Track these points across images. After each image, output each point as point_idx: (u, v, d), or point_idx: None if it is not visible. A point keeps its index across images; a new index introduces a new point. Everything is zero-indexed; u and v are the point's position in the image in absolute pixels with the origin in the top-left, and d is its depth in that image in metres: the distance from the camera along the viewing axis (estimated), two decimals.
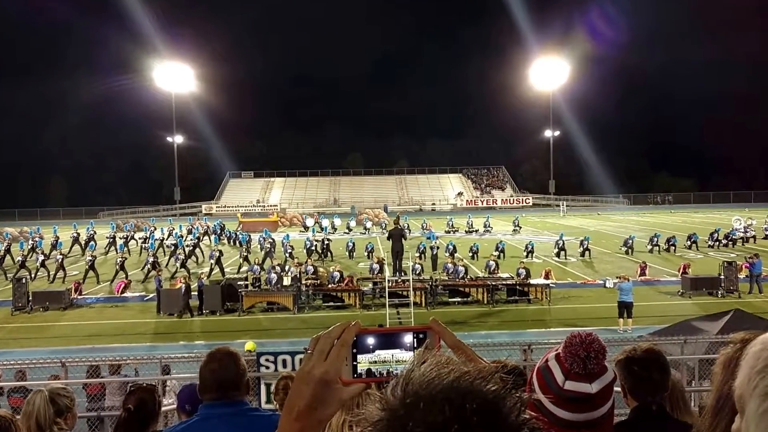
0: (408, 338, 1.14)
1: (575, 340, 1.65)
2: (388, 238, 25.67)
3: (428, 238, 34.79)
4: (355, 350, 1.10)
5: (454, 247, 30.39)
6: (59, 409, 3.30)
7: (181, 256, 28.99)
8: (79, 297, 23.09)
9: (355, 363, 1.10)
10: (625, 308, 17.89)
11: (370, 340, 1.12)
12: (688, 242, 33.97)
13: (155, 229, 43.68)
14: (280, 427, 1.06)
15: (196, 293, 21.41)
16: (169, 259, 30.69)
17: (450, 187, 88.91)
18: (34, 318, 21.01)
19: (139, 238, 39.00)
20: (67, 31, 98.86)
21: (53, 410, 3.24)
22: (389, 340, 1.13)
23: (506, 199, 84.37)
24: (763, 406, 0.82)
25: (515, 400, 0.74)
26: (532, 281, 22.08)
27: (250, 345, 13.35)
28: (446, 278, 22.78)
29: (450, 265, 23.86)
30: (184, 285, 20.92)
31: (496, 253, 29.16)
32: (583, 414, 1.60)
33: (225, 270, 27.73)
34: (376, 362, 1.11)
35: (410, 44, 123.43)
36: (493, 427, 0.71)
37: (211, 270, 27.14)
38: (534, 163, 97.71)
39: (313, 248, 32.60)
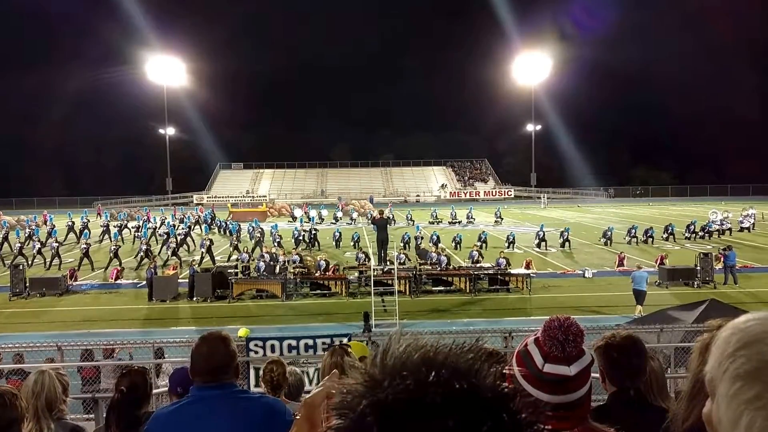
0: None
1: (554, 324, 1.68)
2: (373, 225, 25.71)
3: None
4: None
5: (438, 237, 30.85)
6: (64, 387, 3.43)
7: (173, 245, 29.30)
8: (74, 283, 23.40)
9: None
10: (637, 296, 18.20)
11: None
12: (665, 234, 34.31)
13: (147, 218, 43.77)
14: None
15: (186, 280, 21.93)
16: (161, 247, 30.95)
17: (434, 180, 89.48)
18: (30, 303, 21.28)
19: (132, 227, 39.23)
20: (63, 24, 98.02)
21: (60, 388, 3.36)
22: None
23: (489, 191, 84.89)
24: (732, 389, 0.83)
25: (490, 367, 0.78)
26: (514, 271, 22.39)
27: (243, 331, 12.68)
28: (430, 267, 23.18)
29: (434, 254, 24.32)
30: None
31: (479, 244, 29.26)
32: (562, 396, 1.63)
33: (215, 258, 28.08)
34: None
35: (396, 39, 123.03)
36: (470, 388, 0.74)
37: (202, 258, 27.49)
38: (516, 156, 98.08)
39: (301, 238, 33.07)
